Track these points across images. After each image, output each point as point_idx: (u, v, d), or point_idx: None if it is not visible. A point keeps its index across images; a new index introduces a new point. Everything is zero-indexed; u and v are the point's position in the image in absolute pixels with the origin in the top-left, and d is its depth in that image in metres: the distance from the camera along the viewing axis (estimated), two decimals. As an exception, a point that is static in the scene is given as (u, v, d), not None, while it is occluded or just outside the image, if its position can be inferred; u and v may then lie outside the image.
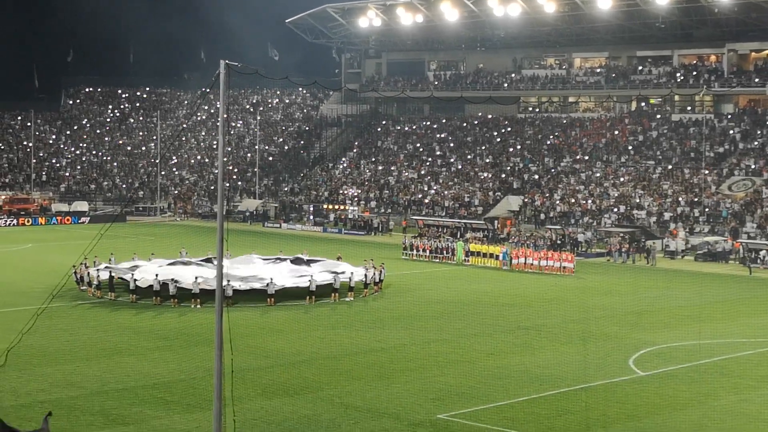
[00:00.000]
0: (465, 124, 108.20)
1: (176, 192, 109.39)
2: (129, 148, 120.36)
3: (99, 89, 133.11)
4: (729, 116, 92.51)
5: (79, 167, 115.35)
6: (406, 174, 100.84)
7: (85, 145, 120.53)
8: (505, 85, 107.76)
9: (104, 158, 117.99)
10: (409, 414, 30.37)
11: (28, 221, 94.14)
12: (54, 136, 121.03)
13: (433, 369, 36.37)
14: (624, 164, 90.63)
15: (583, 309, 49.84)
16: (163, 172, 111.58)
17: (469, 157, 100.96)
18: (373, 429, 28.91)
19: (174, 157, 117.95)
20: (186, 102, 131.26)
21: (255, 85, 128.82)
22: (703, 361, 38.20)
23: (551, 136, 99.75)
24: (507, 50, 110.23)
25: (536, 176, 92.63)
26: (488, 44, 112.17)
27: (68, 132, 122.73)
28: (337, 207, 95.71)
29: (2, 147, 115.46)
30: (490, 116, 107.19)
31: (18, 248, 74.78)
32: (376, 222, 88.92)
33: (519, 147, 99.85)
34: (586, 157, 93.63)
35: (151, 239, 79.42)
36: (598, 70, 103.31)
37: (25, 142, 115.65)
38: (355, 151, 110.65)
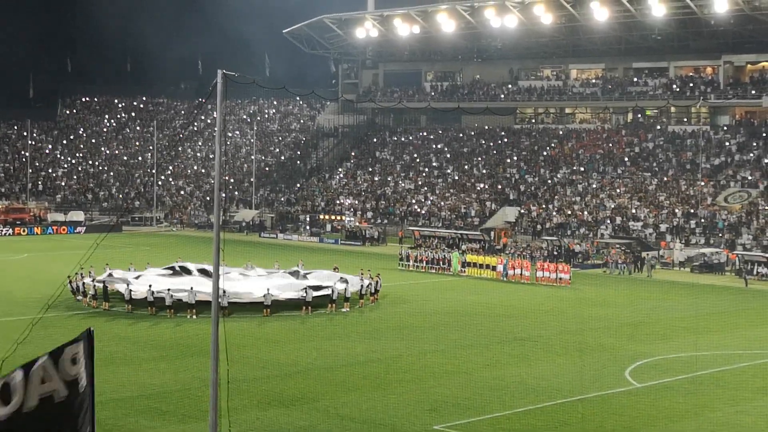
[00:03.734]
0: (461, 135, 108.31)
1: (172, 202, 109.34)
2: (125, 158, 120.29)
3: (96, 99, 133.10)
4: (725, 128, 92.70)
5: (75, 177, 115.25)
6: (403, 185, 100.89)
7: (81, 154, 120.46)
8: (502, 96, 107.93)
9: (100, 168, 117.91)
10: (405, 425, 30.32)
11: (23, 231, 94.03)
12: (50, 146, 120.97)
13: (429, 380, 36.33)
14: (620, 176, 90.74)
15: (579, 320, 49.83)
16: (159, 182, 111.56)
17: (465, 167, 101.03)
18: (369, 440, 28.89)
19: (170, 167, 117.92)
20: (183, 112, 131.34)
21: (252, 95, 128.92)
22: (700, 372, 38.19)
23: (548, 147, 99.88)
24: (503, 61, 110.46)
25: (533, 187, 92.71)
26: (485, 55, 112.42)
27: (65, 141, 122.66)
28: (333, 217, 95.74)
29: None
30: (486, 127, 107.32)
31: (14, 258, 74.70)
32: (368, 234, 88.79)
33: (515, 158, 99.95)
34: (583, 169, 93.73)
35: (147, 249, 79.34)
36: (595, 82, 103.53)
37: (21, 152, 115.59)
38: (351, 161, 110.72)
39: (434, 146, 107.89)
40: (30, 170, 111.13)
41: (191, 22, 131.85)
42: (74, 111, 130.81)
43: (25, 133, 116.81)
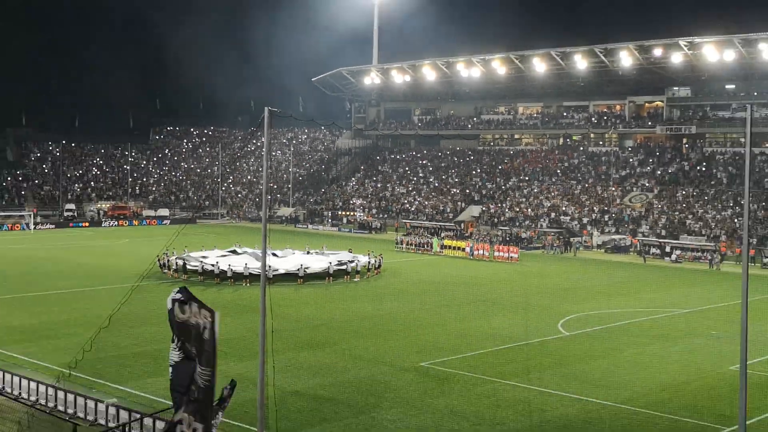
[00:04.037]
0: (440, 154, 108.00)
1: (232, 202, 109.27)
2: (198, 171, 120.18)
3: (177, 128, 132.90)
4: (630, 149, 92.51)
5: (162, 184, 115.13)
6: (398, 189, 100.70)
7: (166, 168, 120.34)
8: (469, 126, 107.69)
9: (180, 178, 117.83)
10: (400, 362, 30.34)
11: (125, 223, 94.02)
12: (144, 162, 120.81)
13: (417, 330, 36.35)
14: (554, 183, 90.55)
15: (524, 287, 49.85)
16: (222, 188, 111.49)
17: (443, 177, 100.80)
18: (373, 373, 28.89)
19: (231, 177, 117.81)
20: (239, 137, 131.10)
21: (289, 125, 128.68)
22: (611, 324, 38.23)
23: (502, 163, 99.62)
24: (470, 101, 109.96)
25: (491, 191, 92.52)
26: (457, 96, 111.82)
27: (155, 159, 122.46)
28: (348, 213, 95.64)
29: (107, 170, 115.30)
30: (458, 148, 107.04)
31: (117, 242, 74.71)
32: (373, 225, 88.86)
33: (479, 170, 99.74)
34: (527, 178, 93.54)
35: (214, 236, 79.28)
36: (536, 116, 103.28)
37: (124, 166, 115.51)
38: (361, 172, 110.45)
39: (420, 162, 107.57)
40: (130, 179, 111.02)
41: (247, 73, 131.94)
42: (162, 137, 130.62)
43: (126, 153, 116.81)
